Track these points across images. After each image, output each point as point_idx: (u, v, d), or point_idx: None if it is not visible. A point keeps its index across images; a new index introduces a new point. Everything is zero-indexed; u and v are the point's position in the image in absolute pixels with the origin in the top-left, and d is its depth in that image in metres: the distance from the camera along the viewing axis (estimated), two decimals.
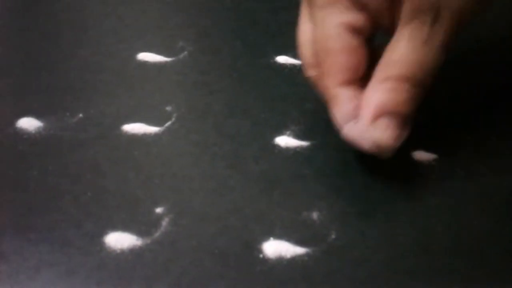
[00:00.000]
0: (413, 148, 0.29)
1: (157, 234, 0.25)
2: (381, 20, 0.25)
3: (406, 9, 0.23)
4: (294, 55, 0.35)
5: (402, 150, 0.29)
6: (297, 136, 0.30)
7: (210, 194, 0.27)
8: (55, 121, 0.30)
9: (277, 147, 0.29)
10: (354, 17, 0.24)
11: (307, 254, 0.24)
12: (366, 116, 0.24)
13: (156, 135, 0.30)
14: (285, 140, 0.29)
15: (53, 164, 0.28)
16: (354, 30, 0.25)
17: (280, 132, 0.30)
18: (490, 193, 0.27)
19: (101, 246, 0.24)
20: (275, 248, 0.25)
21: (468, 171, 0.28)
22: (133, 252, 0.24)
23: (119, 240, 0.25)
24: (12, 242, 0.25)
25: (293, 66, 0.34)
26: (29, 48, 0.35)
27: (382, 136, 0.24)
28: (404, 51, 0.24)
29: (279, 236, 0.25)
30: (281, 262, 0.24)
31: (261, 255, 0.24)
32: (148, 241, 0.25)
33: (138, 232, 0.25)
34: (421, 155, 0.29)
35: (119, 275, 0.23)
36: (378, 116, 0.24)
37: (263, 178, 0.28)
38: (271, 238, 0.25)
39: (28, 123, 0.30)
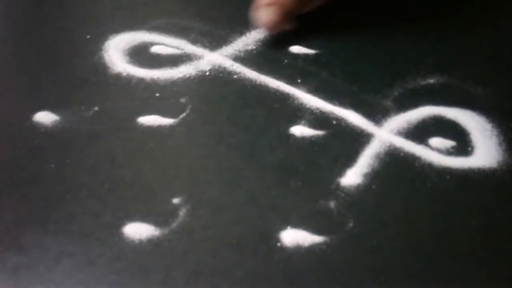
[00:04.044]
0: (430, 135, 0.29)
1: (174, 225, 0.25)
2: None
3: None
4: (308, 45, 0.34)
5: (421, 139, 0.28)
6: (313, 126, 0.30)
7: (226, 184, 0.27)
8: (71, 114, 0.30)
9: (293, 136, 0.29)
10: None
11: (325, 243, 0.24)
12: (261, 2, 0.34)
13: (171, 126, 0.30)
14: (300, 130, 0.29)
15: (70, 156, 0.28)
16: None
17: (295, 122, 0.30)
18: (510, 178, 0.27)
19: (120, 236, 0.25)
20: (293, 237, 0.24)
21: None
22: (151, 242, 0.24)
23: (137, 230, 0.25)
24: (32, 234, 0.25)
25: (307, 56, 0.34)
26: (44, 43, 0.35)
27: (266, 18, 0.33)
28: None
29: (297, 225, 0.25)
30: (299, 251, 0.24)
31: (278, 244, 0.24)
32: (165, 231, 0.25)
33: (156, 223, 0.25)
34: (438, 142, 0.28)
35: (138, 265, 0.24)
36: (268, 4, 0.33)
37: (279, 168, 0.27)
38: (289, 227, 0.25)
39: (45, 117, 0.30)
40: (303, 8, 0.34)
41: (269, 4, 0.33)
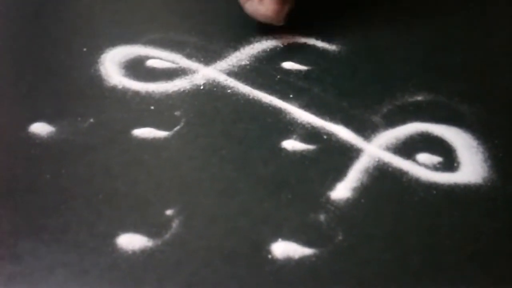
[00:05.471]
0: (417, 151, 0.29)
1: (167, 236, 0.25)
2: None
3: None
4: (300, 61, 0.35)
5: (409, 154, 0.29)
6: (304, 140, 0.30)
7: (219, 196, 0.27)
8: (66, 126, 0.31)
9: (284, 150, 0.30)
10: None
11: (314, 255, 0.25)
12: None
13: (165, 139, 0.30)
14: (292, 144, 0.30)
15: (66, 167, 0.29)
16: None
17: (287, 136, 0.30)
18: (494, 194, 0.27)
19: (113, 247, 0.25)
20: (283, 249, 0.25)
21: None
22: (144, 253, 0.25)
23: (130, 241, 0.25)
24: (26, 243, 0.25)
25: (299, 72, 0.35)
26: (40, 55, 0.36)
27: (267, 11, 0.34)
28: None
29: (287, 237, 0.25)
30: (289, 263, 0.25)
31: (269, 256, 0.25)
32: (159, 242, 0.25)
33: (149, 234, 0.25)
34: (425, 158, 0.29)
35: (131, 275, 0.24)
36: None
37: (270, 181, 0.28)
38: (279, 239, 0.25)
39: (40, 128, 0.31)
40: None
41: None
